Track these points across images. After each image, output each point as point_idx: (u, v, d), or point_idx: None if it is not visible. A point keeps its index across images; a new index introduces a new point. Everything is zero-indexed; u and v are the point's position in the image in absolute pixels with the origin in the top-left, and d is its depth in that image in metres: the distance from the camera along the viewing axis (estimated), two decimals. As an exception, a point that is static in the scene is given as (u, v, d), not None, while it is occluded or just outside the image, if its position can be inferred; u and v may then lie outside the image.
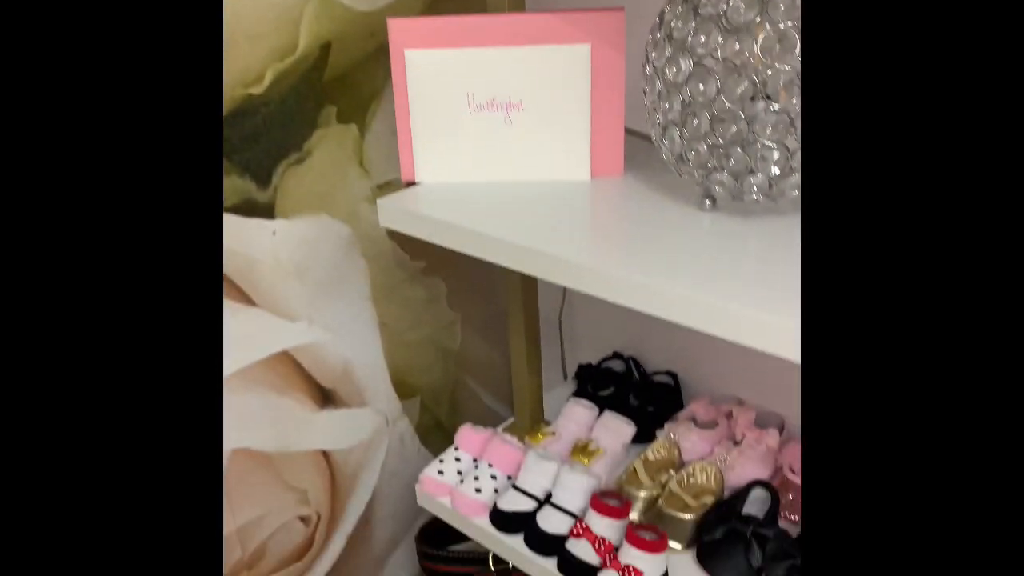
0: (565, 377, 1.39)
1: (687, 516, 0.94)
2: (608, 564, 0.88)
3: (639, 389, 1.20)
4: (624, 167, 0.92)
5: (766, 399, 1.13)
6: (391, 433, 1.16)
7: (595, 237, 0.78)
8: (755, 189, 0.73)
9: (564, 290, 1.34)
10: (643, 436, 1.10)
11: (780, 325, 0.59)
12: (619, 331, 1.29)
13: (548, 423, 1.15)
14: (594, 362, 1.27)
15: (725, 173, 0.73)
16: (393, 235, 1.06)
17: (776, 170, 0.70)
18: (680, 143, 0.74)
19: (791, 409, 1.10)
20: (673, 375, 1.22)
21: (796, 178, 0.71)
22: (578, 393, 1.22)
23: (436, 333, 1.18)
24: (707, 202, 0.80)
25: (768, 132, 0.69)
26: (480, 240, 0.80)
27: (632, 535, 0.87)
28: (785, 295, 0.62)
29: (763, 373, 1.12)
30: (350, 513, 1.13)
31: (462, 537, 1.11)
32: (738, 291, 0.64)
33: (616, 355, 1.27)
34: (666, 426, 1.11)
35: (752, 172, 0.72)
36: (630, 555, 0.86)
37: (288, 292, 0.96)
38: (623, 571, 0.86)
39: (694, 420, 1.11)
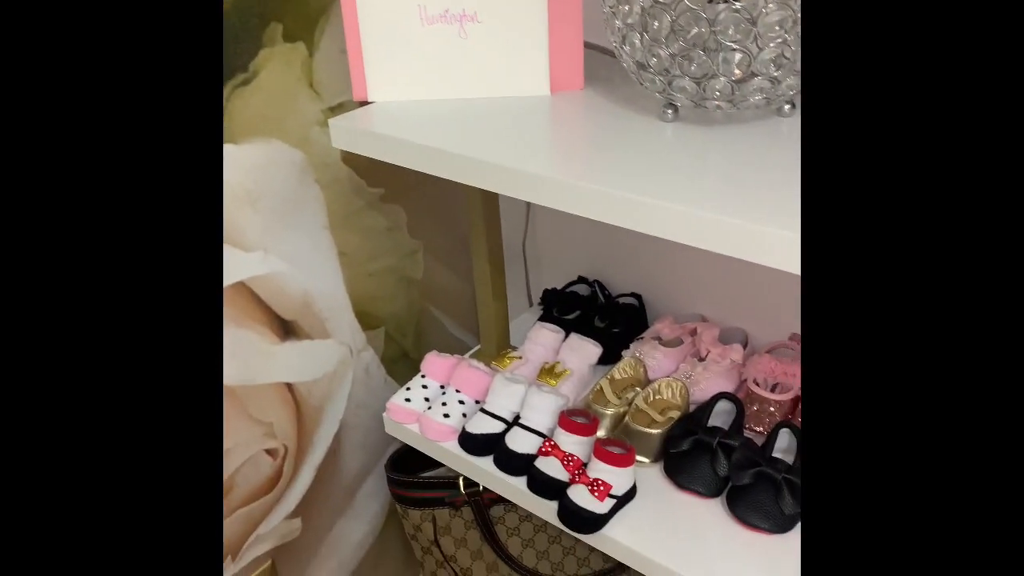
0: (531, 303, 1.38)
1: (654, 431, 0.95)
2: (577, 479, 0.88)
3: (604, 311, 1.20)
4: (584, 81, 0.90)
5: (730, 316, 1.13)
6: (356, 364, 1.14)
7: (556, 150, 0.76)
8: (717, 94, 0.71)
9: (527, 215, 1.32)
10: (609, 357, 1.11)
11: (752, 231, 0.58)
12: (584, 255, 1.29)
13: (514, 348, 1.15)
14: (559, 287, 1.26)
15: (687, 78, 0.71)
16: (349, 161, 1.02)
17: (738, 72, 0.69)
18: (640, 48, 0.72)
19: (754, 324, 1.11)
20: (638, 296, 1.22)
21: (758, 82, 0.70)
22: (544, 317, 1.22)
23: (398, 262, 1.16)
24: (669, 112, 0.78)
25: (730, 33, 0.67)
26: (437, 157, 0.77)
27: (600, 450, 0.88)
28: (756, 201, 0.61)
29: (726, 290, 1.12)
30: (318, 445, 1.12)
31: (433, 464, 1.11)
32: (705, 198, 0.62)
33: (581, 279, 1.27)
34: (632, 346, 1.12)
35: (714, 76, 0.70)
36: (598, 469, 0.87)
37: (242, 221, 0.93)
38: (592, 485, 0.86)
39: (659, 339, 1.11)
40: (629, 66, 0.76)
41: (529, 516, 1.11)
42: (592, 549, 1.13)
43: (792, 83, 0.71)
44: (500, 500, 1.09)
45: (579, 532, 0.87)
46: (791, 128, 0.76)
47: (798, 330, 1.07)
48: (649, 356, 1.08)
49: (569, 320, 1.20)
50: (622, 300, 1.22)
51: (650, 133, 0.77)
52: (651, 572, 0.85)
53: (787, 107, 0.78)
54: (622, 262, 1.24)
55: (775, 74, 0.69)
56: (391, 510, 1.29)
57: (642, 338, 1.13)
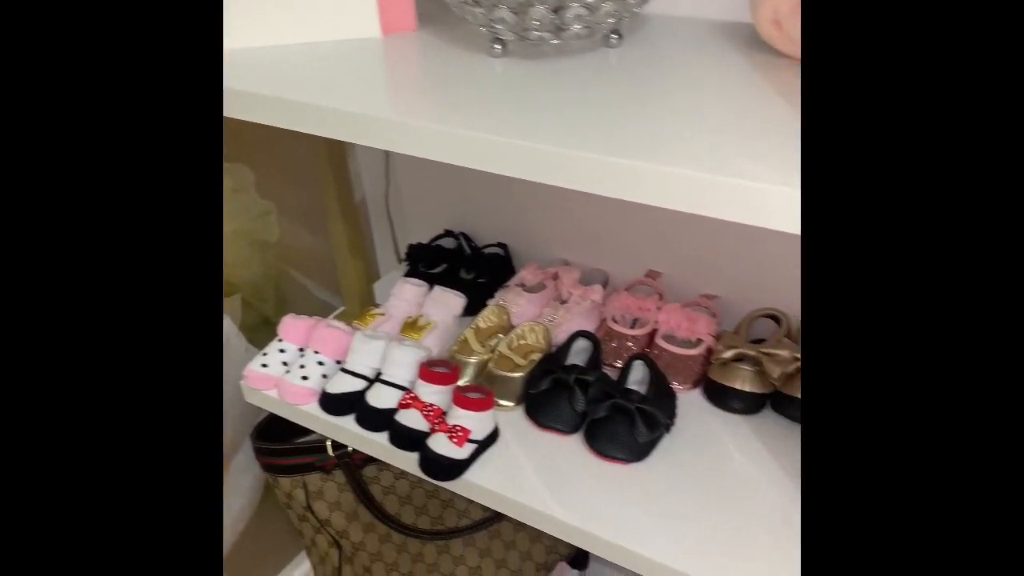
0: (400, 260, 1.36)
1: (516, 374, 0.95)
2: (437, 428, 0.87)
3: (471, 263, 1.19)
4: (417, 23, 0.87)
5: (591, 258, 1.14)
6: (213, 334, 1.10)
7: (391, 91, 0.73)
8: (536, 23, 0.70)
9: (387, 171, 1.29)
10: (476, 307, 1.10)
11: (579, 158, 0.57)
12: (449, 209, 1.27)
13: (378, 306, 1.12)
14: (425, 241, 1.24)
15: (504, 8, 0.69)
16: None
17: (552, 1, 0.68)
18: (457, -21, 0.70)
19: (613, 264, 1.13)
20: (504, 246, 1.21)
21: (575, 9, 0.69)
22: (410, 273, 1.20)
23: (248, 224, 1.11)
24: (497, 47, 0.77)
25: (540, -43, 0.66)
26: (270, 105, 0.72)
27: (458, 397, 0.87)
28: (584, 132, 0.59)
29: (587, 233, 1.13)
30: (177, 421, 1.08)
31: (304, 431, 1.08)
32: (532, 130, 0.60)
33: (447, 233, 1.25)
34: (496, 294, 1.11)
35: (531, 4, 0.68)
36: (457, 416, 0.87)
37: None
38: (451, 432, 0.86)
39: (523, 286, 1.11)
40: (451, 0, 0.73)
41: (404, 473, 1.10)
42: (470, 500, 1.13)
43: (610, 9, 0.70)
44: (372, 460, 1.07)
45: (440, 480, 0.86)
46: (619, 58, 0.75)
47: (655, 267, 1.09)
48: (513, 303, 1.07)
49: (436, 274, 1.19)
50: (488, 251, 1.21)
51: (480, 70, 0.75)
52: (514, 512, 0.85)
53: (613, 37, 0.77)
54: (487, 213, 1.23)
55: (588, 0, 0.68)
56: (268, 483, 1.25)
57: (507, 286, 1.12)
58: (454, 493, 1.12)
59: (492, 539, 1.15)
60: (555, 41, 0.74)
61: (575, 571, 1.14)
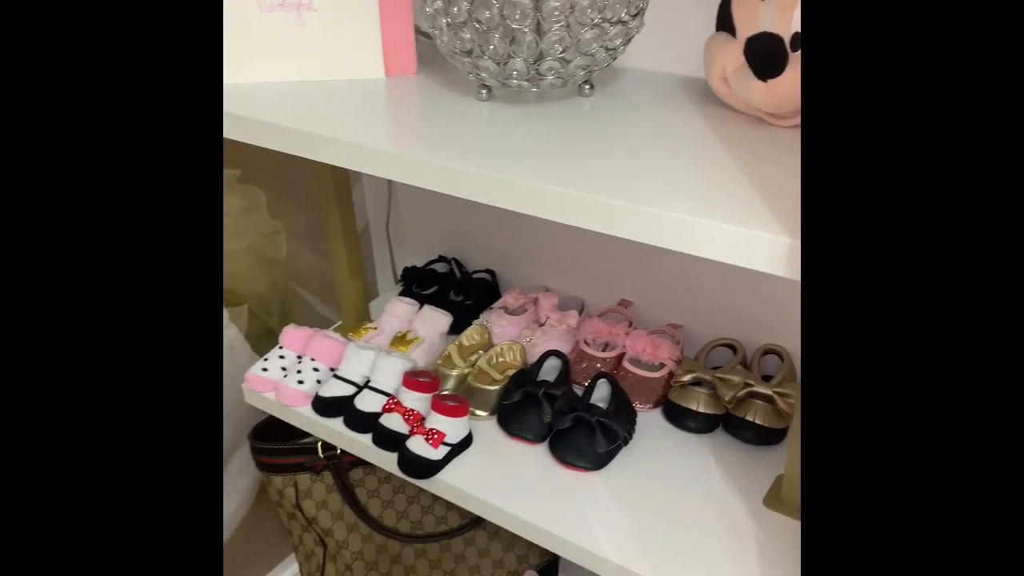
0: (396, 281, 1.45)
1: (492, 388, 1.04)
2: (416, 431, 0.96)
3: (460, 286, 1.28)
4: (417, 67, 0.98)
5: (570, 286, 1.24)
6: (219, 340, 1.19)
7: (391, 127, 0.83)
8: (515, 73, 0.80)
9: (389, 198, 1.39)
10: (462, 327, 1.19)
11: (547, 191, 0.66)
12: (443, 236, 1.37)
13: (372, 322, 1.22)
14: (420, 264, 1.34)
15: (488, 59, 0.80)
16: (202, 142, 1.07)
17: (530, 53, 0.78)
18: (447, 32, 0.81)
19: (590, 293, 1.22)
20: (492, 272, 1.30)
21: (549, 63, 0.79)
22: (404, 293, 1.29)
23: (259, 242, 1.21)
24: (483, 92, 0.87)
25: (516, 18, 0.76)
26: (282, 134, 0.82)
27: (436, 403, 0.96)
28: (554, 169, 0.68)
29: (566, 263, 1.22)
30: (182, 419, 1.16)
31: (298, 436, 1.16)
32: (507, 164, 0.70)
33: (441, 258, 1.35)
34: (481, 315, 1.20)
35: (512, 57, 0.79)
36: (435, 420, 0.95)
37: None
38: (428, 434, 0.94)
39: (506, 308, 1.20)
40: (442, 47, 0.84)
41: (388, 478, 1.18)
42: (449, 507, 1.21)
43: (581, 63, 0.81)
44: (359, 464, 1.15)
45: (416, 478, 0.95)
46: (592, 106, 0.85)
47: (627, 297, 1.18)
48: (496, 324, 1.16)
49: (427, 295, 1.28)
50: (476, 276, 1.30)
51: (468, 112, 0.85)
52: (482, 511, 0.93)
53: (586, 87, 0.88)
54: (478, 241, 1.33)
55: (561, 55, 0.78)
56: (263, 485, 1.33)
57: (491, 308, 1.21)
58: (434, 500, 1.20)
59: (467, 546, 1.22)
60: (534, 89, 0.84)
61: (543, 579, 1.21)
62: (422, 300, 1.23)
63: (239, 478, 1.29)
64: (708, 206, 0.60)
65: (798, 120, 0.75)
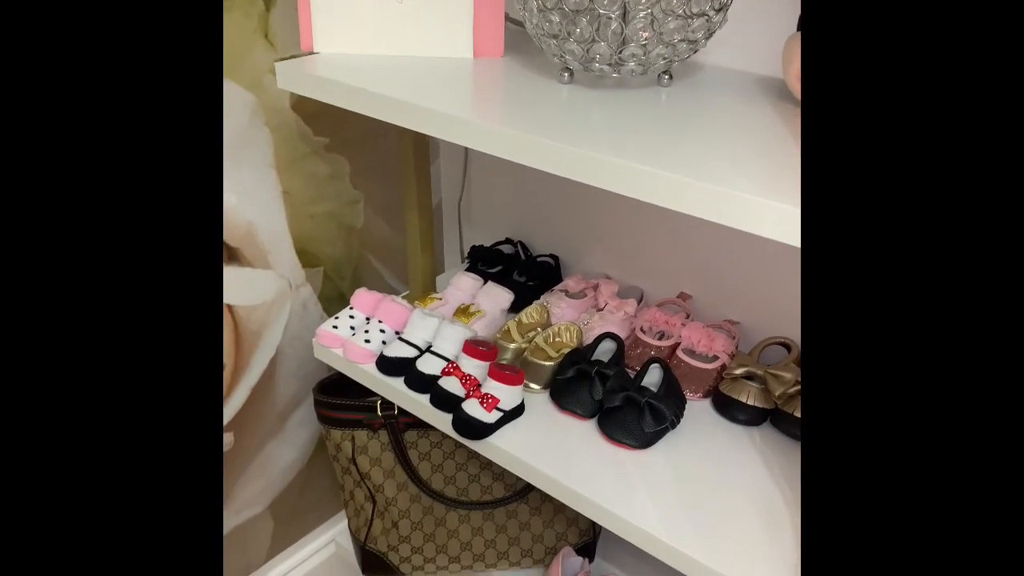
0: (463, 259, 1.50)
1: (548, 363, 1.08)
2: (471, 395, 1.01)
3: (524, 268, 1.33)
4: (504, 50, 1.03)
5: (631, 276, 1.27)
6: (294, 297, 1.26)
7: (472, 100, 0.88)
8: (598, 57, 0.84)
9: (463, 180, 1.45)
10: (523, 307, 1.23)
11: (612, 163, 0.70)
12: (512, 219, 1.41)
13: (438, 293, 1.27)
14: (487, 244, 1.39)
15: (574, 43, 0.84)
16: (298, 108, 1.14)
17: (615, 38, 0.82)
18: (537, 15, 0.85)
19: (650, 284, 1.25)
20: (555, 257, 1.34)
21: (632, 49, 0.83)
22: (470, 270, 1.34)
23: (339, 209, 1.28)
24: (565, 75, 0.92)
25: (605, 3, 0.80)
26: (370, 98, 0.88)
27: (493, 370, 1.00)
28: (622, 145, 0.72)
29: (629, 254, 1.25)
30: (254, 367, 1.24)
31: (358, 394, 1.22)
32: (583, 139, 0.74)
33: (508, 240, 1.39)
34: (542, 296, 1.24)
35: (595, 41, 0.83)
36: (490, 386, 1.00)
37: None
38: (483, 399, 0.99)
39: (566, 292, 1.24)
40: (530, 28, 0.89)
41: (440, 443, 1.23)
42: (495, 479, 1.25)
43: (662, 52, 0.84)
44: (414, 425, 1.21)
45: (468, 438, 0.99)
46: (669, 96, 0.89)
47: (687, 290, 1.20)
48: (555, 305, 1.20)
49: (492, 273, 1.33)
50: (540, 259, 1.34)
51: (549, 93, 0.90)
52: (528, 475, 0.97)
53: (665, 77, 0.91)
54: (544, 227, 1.37)
55: (644, 42, 0.82)
56: (321, 441, 1.40)
57: (552, 291, 1.25)
58: (480, 469, 1.24)
59: (509, 518, 1.27)
60: (615, 75, 0.88)
61: (579, 558, 1.24)
62: (486, 278, 1.28)
63: (299, 431, 1.36)
64: (775, 190, 0.63)
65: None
